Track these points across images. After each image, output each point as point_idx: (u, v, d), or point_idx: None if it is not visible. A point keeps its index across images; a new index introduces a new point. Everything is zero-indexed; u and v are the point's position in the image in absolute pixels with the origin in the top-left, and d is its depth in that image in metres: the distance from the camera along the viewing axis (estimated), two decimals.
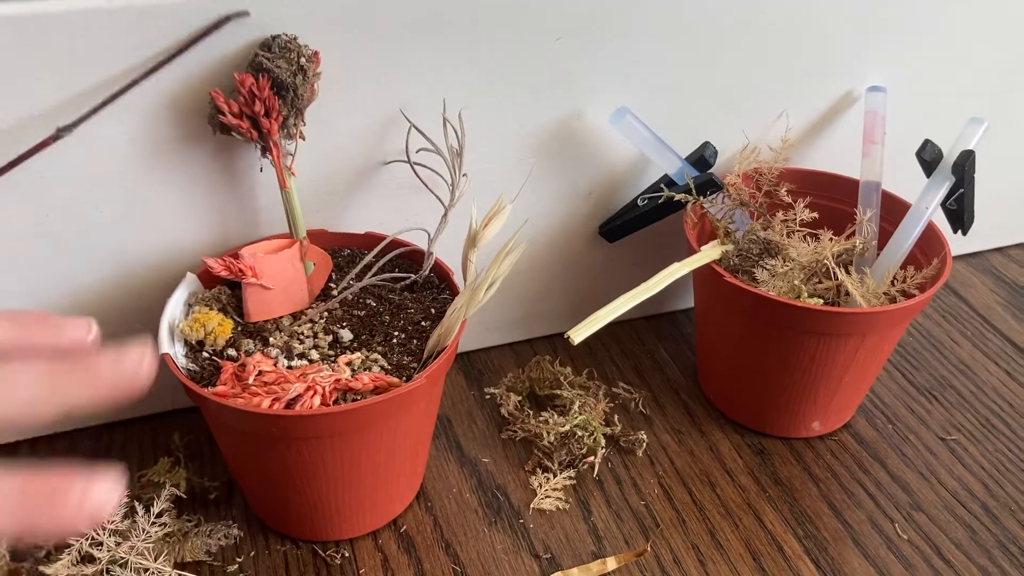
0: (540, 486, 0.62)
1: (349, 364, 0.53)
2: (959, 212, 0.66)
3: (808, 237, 0.63)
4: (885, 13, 0.68)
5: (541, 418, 0.65)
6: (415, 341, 0.55)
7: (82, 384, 0.25)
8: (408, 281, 0.59)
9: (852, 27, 0.68)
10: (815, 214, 0.64)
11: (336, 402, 0.50)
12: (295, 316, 0.57)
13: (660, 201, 0.65)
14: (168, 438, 0.64)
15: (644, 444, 0.66)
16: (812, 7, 0.65)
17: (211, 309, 0.55)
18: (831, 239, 0.63)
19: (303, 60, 0.52)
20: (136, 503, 0.52)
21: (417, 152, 0.59)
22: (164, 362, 0.51)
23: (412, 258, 0.61)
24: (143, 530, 0.52)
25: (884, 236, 0.66)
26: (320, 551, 0.57)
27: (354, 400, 0.50)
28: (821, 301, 0.60)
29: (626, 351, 0.75)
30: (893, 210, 0.67)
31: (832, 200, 0.70)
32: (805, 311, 0.58)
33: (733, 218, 0.66)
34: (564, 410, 0.66)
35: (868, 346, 0.60)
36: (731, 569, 0.57)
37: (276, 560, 0.57)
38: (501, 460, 0.64)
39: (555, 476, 0.63)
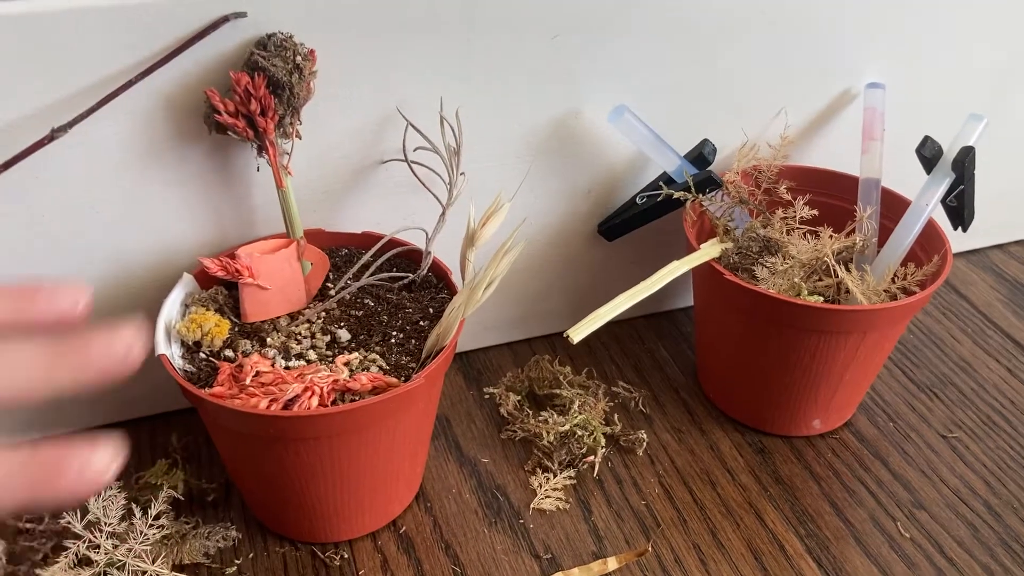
0: (540, 486, 0.62)
1: (347, 364, 0.52)
2: (959, 209, 0.66)
3: (808, 234, 0.63)
4: (884, 10, 0.68)
5: (540, 418, 0.65)
6: (413, 341, 0.55)
7: (73, 366, 0.25)
8: (406, 281, 0.59)
9: (851, 24, 0.68)
10: (815, 211, 0.64)
11: (334, 403, 0.50)
12: (292, 316, 0.57)
13: (659, 199, 0.65)
14: (165, 440, 0.63)
15: (644, 443, 0.65)
16: (811, 4, 0.65)
17: (208, 309, 0.54)
18: (831, 236, 0.62)
19: (299, 58, 0.52)
20: (133, 505, 0.52)
21: (414, 151, 0.58)
22: (161, 363, 0.50)
23: (410, 257, 0.60)
24: (140, 532, 0.51)
25: (884, 233, 0.66)
26: (319, 552, 0.57)
27: (352, 401, 0.50)
28: (821, 299, 0.60)
29: (625, 350, 0.75)
30: (893, 207, 0.67)
31: (831, 197, 0.69)
32: (806, 309, 0.57)
33: (732, 216, 0.66)
34: (564, 409, 0.66)
35: (869, 343, 0.60)
36: (733, 568, 0.57)
37: (275, 562, 0.56)
38: (500, 460, 0.64)
39: (555, 476, 0.62)
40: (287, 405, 0.48)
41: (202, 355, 0.53)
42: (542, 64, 0.60)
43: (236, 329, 0.55)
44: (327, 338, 0.55)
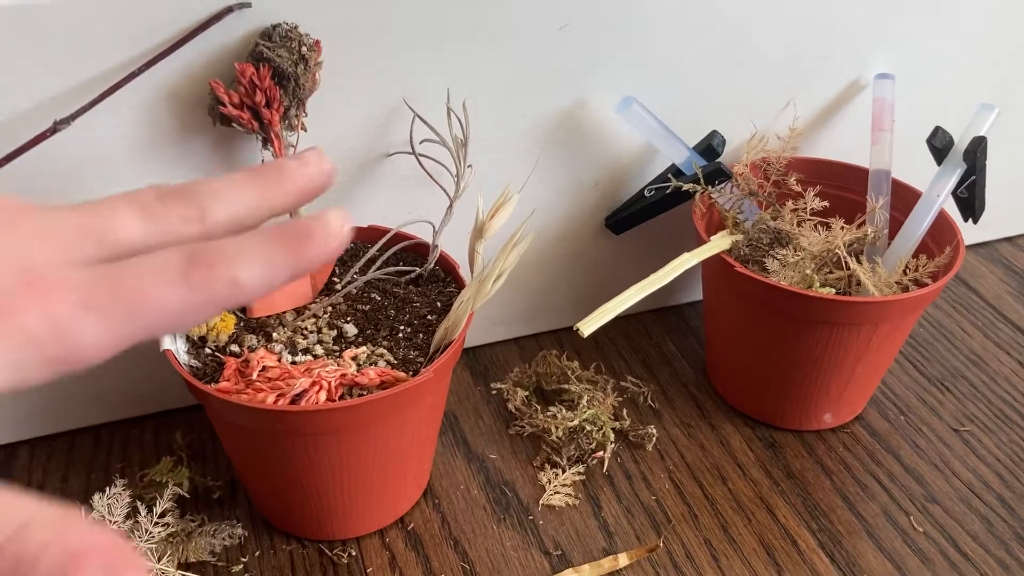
0: (549, 482, 0.61)
1: (355, 359, 0.52)
2: (970, 200, 0.65)
3: (819, 226, 0.62)
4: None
5: (549, 413, 0.64)
6: (421, 335, 0.54)
7: (290, 253, 0.24)
8: (413, 275, 0.58)
9: (859, 14, 0.67)
10: (826, 203, 0.63)
11: (342, 397, 0.49)
12: (298, 311, 0.56)
13: (668, 192, 0.64)
14: (170, 437, 0.63)
15: (654, 438, 0.65)
16: None
17: None
18: (843, 228, 0.62)
19: (304, 49, 0.51)
20: (138, 503, 0.51)
21: (421, 143, 0.58)
22: (166, 359, 0.50)
23: (417, 251, 0.60)
24: (146, 531, 0.51)
25: (894, 225, 0.65)
26: (326, 550, 0.56)
27: (360, 395, 0.49)
28: (833, 291, 0.60)
29: (634, 345, 0.74)
30: (904, 198, 0.66)
31: (841, 189, 0.69)
32: (818, 300, 0.57)
33: (742, 208, 0.65)
34: (572, 405, 0.65)
35: (881, 336, 0.59)
36: (744, 564, 0.56)
37: (282, 560, 0.56)
38: (509, 456, 0.63)
39: (564, 471, 0.62)
40: (294, 400, 0.47)
41: (207, 350, 0.53)
42: (549, 55, 0.60)
43: (242, 324, 0.54)
44: (334, 333, 0.54)
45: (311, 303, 0.57)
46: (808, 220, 0.64)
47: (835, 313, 0.57)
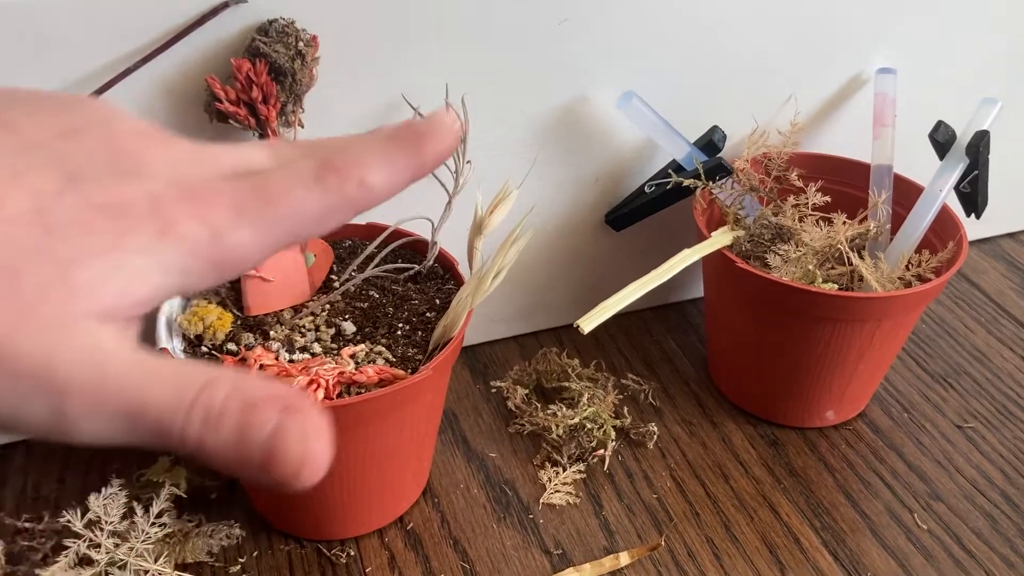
0: (549, 480, 0.61)
1: (353, 357, 0.51)
2: (973, 195, 0.65)
3: (820, 222, 0.62)
4: None
5: (549, 411, 0.64)
6: (420, 333, 0.54)
7: (410, 153, 0.26)
8: (412, 272, 0.58)
9: (861, 8, 0.66)
10: (827, 198, 0.63)
11: (340, 395, 0.48)
12: (296, 309, 0.56)
13: (668, 187, 0.64)
14: None
15: (655, 436, 0.64)
16: None
17: (210, 302, 0.53)
18: (844, 223, 0.61)
19: (301, 44, 0.51)
20: (135, 503, 0.51)
21: None
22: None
23: (415, 248, 0.59)
24: (142, 531, 0.50)
25: (897, 221, 0.65)
26: (325, 550, 0.56)
27: (358, 393, 0.48)
28: (836, 286, 0.59)
29: (634, 342, 0.73)
30: (906, 194, 0.65)
31: (843, 184, 0.68)
32: (820, 296, 0.56)
33: (743, 204, 0.65)
34: (572, 403, 0.65)
35: (884, 332, 0.59)
36: (747, 562, 0.56)
37: (280, 560, 0.55)
38: (509, 454, 0.63)
39: (564, 470, 0.61)
40: None
41: (204, 349, 0.52)
42: (549, 49, 0.59)
43: (239, 322, 0.54)
44: (332, 331, 0.54)
45: (309, 301, 0.56)
46: (810, 216, 0.63)
47: (838, 309, 0.57)
